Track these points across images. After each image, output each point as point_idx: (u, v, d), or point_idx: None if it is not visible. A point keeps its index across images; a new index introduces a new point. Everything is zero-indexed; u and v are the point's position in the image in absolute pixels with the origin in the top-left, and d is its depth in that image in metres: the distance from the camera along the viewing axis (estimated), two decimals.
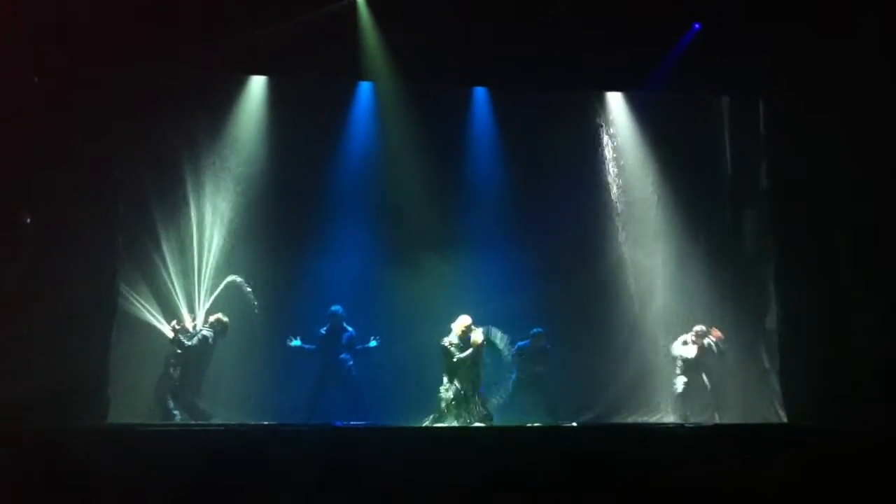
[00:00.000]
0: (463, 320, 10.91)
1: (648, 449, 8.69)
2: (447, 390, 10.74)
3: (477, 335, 10.78)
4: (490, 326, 11.03)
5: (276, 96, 12.53)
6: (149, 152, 11.49)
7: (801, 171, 11.16)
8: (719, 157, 12.87)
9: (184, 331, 11.34)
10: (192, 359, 11.23)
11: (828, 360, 10.38)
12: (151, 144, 11.49)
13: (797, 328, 11.07)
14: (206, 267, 11.97)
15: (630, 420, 12.22)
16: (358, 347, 11.90)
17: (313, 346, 11.87)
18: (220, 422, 10.79)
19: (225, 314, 11.54)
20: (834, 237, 10.83)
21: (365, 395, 11.89)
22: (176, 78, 11.46)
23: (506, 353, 11.15)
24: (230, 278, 11.95)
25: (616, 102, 13.23)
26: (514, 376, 11.89)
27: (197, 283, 11.88)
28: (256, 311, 12.03)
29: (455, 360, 10.71)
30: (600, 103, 13.23)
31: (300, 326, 12.13)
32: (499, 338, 11.08)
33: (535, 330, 12.25)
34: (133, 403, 10.82)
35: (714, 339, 11.92)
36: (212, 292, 11.91)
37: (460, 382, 10.70)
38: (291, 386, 11.91)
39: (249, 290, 12.01)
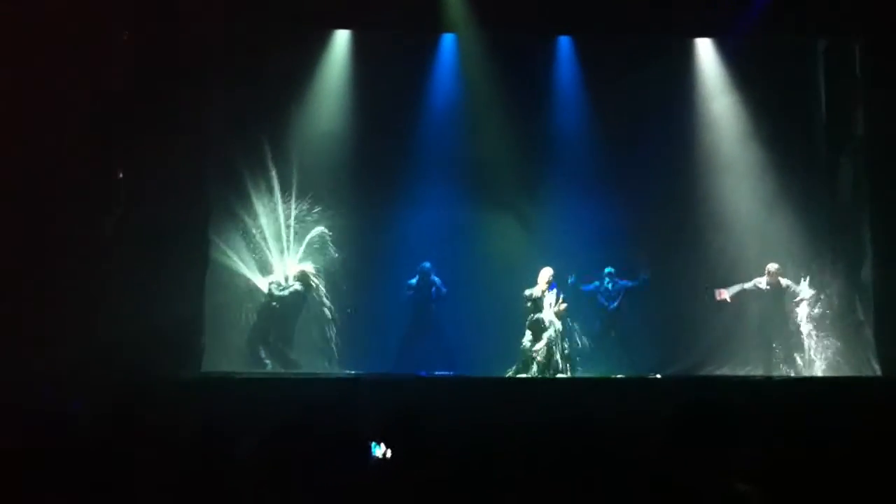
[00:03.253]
0: (545, 273, 11.06)
1: (735, 401, 8.58)
2: (529, 342, 10.90)
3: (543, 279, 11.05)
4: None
5: (359, 50, 12.55)
6: (236, 107, 11.66)
7: None
8: (813, 102, 12.40)
9: (276, 283, 11.65)
10: (283, 309, 11.57)
11: None
12: (238, 100, 11.65)
13: (894, 279, 10.71)
14: (293, 219, 12.18)
15: (717, 373, 11.99)
16: (434, 297, 12.02)
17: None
18: (308, 371, 11.09)
19: (314, 266, 11.80)
20: None
21: (452, 345, 12.00)
22: (262, 34, 11.61)
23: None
24: (317, 230, 12.12)
25: (705, 48, 12.82)
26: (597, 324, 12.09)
27: (285, 236, 12.12)
28: (336, 254, 12.17)
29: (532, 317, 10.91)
30: (688, 49, 12.85)
31: (386, 277, 12.35)
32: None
33: (607, 270, 12.26)
34: (225, 352, 11.16)
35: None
36: (300, 244, 12.13)
37: (542, 333, 10.83)
38: (379, 337, 12.10)
39: (331, 240, 12.16)
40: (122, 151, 10.05)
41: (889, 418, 8.09)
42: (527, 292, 11.16)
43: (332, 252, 12.18)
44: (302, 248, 12.12)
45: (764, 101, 12.51)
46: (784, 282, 11.83)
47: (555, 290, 11.13)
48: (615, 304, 12.18)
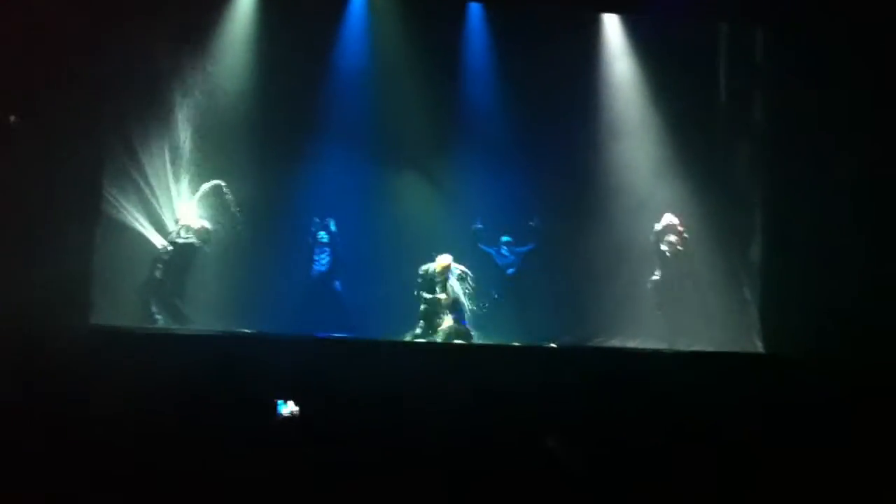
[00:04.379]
0: (442, 260, 11.11)
1: (624, 372, 8.79)
2: (424, 308, 10.99)
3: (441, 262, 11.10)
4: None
5: (265, 6, 12.26)
6: (135, 60, 11.20)
7: (797, 100, 11.05)
8: (715, 84, 12.72)
9: (174, 233, 11.40)
10: (178, 263, 11.32)
11: (808, 291, 10.42)
12: (138, 53, 11.19)
13: (780, 259, 11.09)
14: (189, 175, 11.79)
15: (609, 345, 12.23)
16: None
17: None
18: (201, 328, 10.88)
19: (210, 222, 11.55)
20: (826, 170, 10.78)
21: (349, 308, 11.99)
22: None
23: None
24: (212, 182, 11.73)
25: (612, 23, 12.99)
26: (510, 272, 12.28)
27: (178, 192, 11.72)
28: (238, 212, 11.79)
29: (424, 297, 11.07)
30: (596, 24, 12.99)
31: (287, 236, 12.24)
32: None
33: (504, 238, 12.43)
34: (117, 307, 10.84)
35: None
36: (195, 197, 11.74)
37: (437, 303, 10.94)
38: (276, 296, 11.96)
39: (228, 195, 11.85)
40: (12, 100, 9.61)
41: (771, 393, 8.45)
42: (422, 269, 11.24)
43: (230, 207, 11.87)
44: (196, 201, 11.73)
45: (667, 80, 12.72)
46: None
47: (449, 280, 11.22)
48: (513, 270, 12.31)
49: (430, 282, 11.17)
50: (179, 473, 6.33)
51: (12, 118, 9.58)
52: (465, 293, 11.34)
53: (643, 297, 12.30)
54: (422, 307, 11.14)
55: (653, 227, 12.22)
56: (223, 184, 11.74)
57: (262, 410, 7.49)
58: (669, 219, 12.11)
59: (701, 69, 12.74)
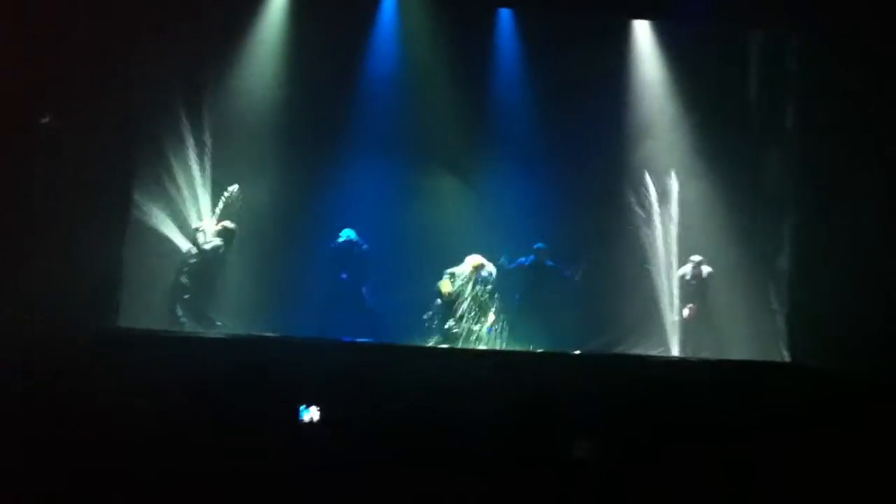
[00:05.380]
0: (472, 260, 11.09)
1: (648, 380, 8.74)
2: (449, 311, 11.02)
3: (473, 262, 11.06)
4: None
5: (297, 11, 12.36)
6: (166, 66, 11.39)
7: (829, 111, 10.99)
8: (747, 92, 12.68)
9: (199, 235, 11.49)
10: (203, 266, 11.42)
11: (837, 302, 10.34)
12: (169, 59, 11.37)
13: (810, 268, 11.01)
14: (216, 180, 11.94)
15: (633, 352, 12.19)
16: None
17: None
18: (227, 332, 10.97)
19: (232, 222, 11.64)
20: (858, 179, 10.71)
21: (376, 315, 11.99)
22: None
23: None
24: (233, 187, 11.87)
25: (643, 31, 12.97)
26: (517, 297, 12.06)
27: (208, 196, 11.89)
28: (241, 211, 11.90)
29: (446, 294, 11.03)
30: (627, 31, 12.97)
31: (313, 243, 12.24)
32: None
33: (537, 245, 12.22)
34: (144, 310, 10.95)
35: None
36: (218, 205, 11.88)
37: (463, 309, 10.93)
38: (301, 301, 12.01)
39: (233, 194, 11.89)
40: (47, 105, 9.75)
41: (796, 403, 8.37)
42: (448, 271, 11.26)
43: (249, 210, 11.95)
44: (220, 206, 11.86)
45: (698, 85, 12.71)
46: (706, 270, 12.06)
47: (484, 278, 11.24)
48: (556, 297, 12.18)
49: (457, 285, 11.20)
50: (201, 477, 6.37)
51: (43, 123, 9.72)
52: (490, 297, 11.36)
53: (666, 306, 12.28)
54: (446, 311, 11.16)
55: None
56: (235, 189, 11.84)
57: (286, 414, 7.51)
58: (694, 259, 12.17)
59: (732, 75, 12.72)
